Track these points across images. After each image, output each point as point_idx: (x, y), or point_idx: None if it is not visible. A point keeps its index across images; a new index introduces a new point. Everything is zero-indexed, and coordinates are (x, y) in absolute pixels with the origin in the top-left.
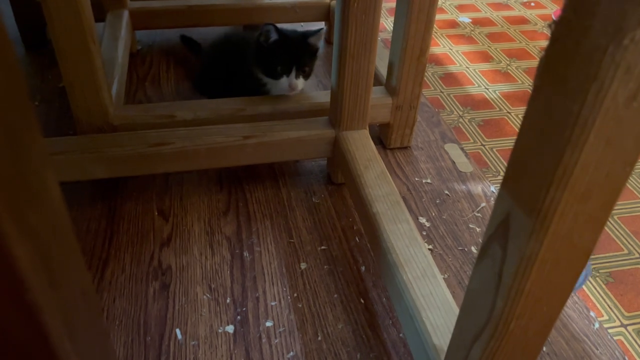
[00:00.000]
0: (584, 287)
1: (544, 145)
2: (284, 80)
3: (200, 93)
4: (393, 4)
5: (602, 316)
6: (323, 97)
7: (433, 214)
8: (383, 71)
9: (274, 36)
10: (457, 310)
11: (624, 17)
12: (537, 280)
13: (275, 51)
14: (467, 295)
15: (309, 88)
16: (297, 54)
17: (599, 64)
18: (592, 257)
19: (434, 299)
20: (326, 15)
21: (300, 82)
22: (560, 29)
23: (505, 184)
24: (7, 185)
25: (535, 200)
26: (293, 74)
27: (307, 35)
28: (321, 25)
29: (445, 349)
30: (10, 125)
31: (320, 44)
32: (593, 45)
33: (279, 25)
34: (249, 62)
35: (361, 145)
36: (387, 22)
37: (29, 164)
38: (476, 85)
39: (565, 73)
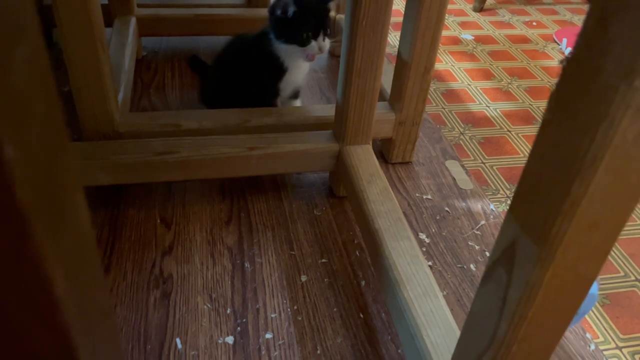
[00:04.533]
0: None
1: (552, 177)
2: (313, 45)
3: (208, 106)
4: (397, 19)
5: (598, 338)
6: (328, 110)
7: (433, 230)
8: (387, 86)
9: (292, 8)
10: (456, 329)
11: (637, 59)
12: (541, 306)
13: (299, 20)
14: (470, 317)
15: (314, 101)
16: (320, 17)
17: (609, 103)
18: None
19: (434, 318)
20: (331, 28)
21: (327, 43)
22: (573, 66)
23: (513, 211)
24: (44, 206)
25: (542, 229)
26: (321, 37)
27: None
28: None
29: None
30: (49, 148)
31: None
32: (605, 85)
33: None
34: (266, 45)
35: (364, 160)
36: (391, 37)
37: (64, 185)
38: (477, 102)
39: (576, 109)
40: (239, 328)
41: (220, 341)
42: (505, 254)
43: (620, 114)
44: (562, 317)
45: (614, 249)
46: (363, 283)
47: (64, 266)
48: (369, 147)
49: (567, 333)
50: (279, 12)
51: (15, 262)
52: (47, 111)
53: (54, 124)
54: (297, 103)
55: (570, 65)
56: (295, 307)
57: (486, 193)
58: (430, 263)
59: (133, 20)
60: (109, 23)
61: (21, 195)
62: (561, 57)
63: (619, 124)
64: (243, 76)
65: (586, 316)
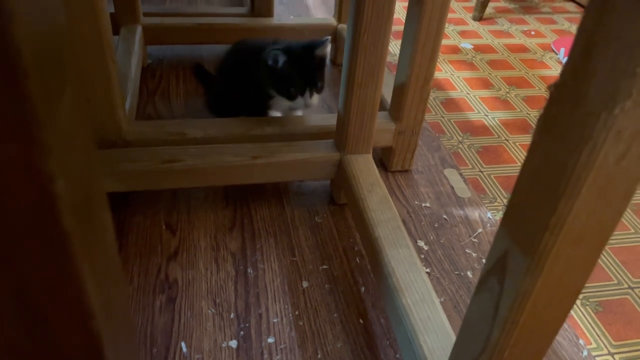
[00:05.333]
0: (574, 314)
1: (541, 194)
2: (299, 100)
3: (215, 114)
4: (398, 27)
5: (591, 344)
6: (329, 120)
7: (431, 237)
8: (387, 96)
9: (282, 58)
10: (452, 335)
11: (617, 88)
12: (531, 314)
13: (287, 74)
14: (465, 324)
15: (315, 109)
16: (308, 73)
17: (592, 128)
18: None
19: (431, 324)
20: (333, 36)
21: (314, 99)
22: (559, 93)
23: (505, 224)
24: (83, 229)
25: (531, 242)
26: (307, 94)
27: (313, 48)
28: (326, 36)
29: None
30: (87, 177)
31: (328, 60)
32: (588, 111)
33: (285, 41)
34: (261, 78)
35: (365, 169)
36: (391, 45)
37: (98, 208)
38: (476, 111)
39: (561, 132)
40: (242, 332)
41: (224, 345)
42: (497, 264)
43: (602, 139)
44: (551, 324)
45: (607, 257)
46: (363, 289)
47: (96, 280)
48: (369, 157)
49: (560, 339)
50: (270, 62)
51: (58, 278)
52: (85, 144)
53: (91, 154)
54: (300, 112)
55: (556, 91)
56: (296, 312)
57: (483, 201)
58: (428, 270)
59: (139, 29)
60: (115, 31)
61: (66, 224)
62: (559, 66)
63: (601, 146)
64: (244, 79)
65: (579, 323)
